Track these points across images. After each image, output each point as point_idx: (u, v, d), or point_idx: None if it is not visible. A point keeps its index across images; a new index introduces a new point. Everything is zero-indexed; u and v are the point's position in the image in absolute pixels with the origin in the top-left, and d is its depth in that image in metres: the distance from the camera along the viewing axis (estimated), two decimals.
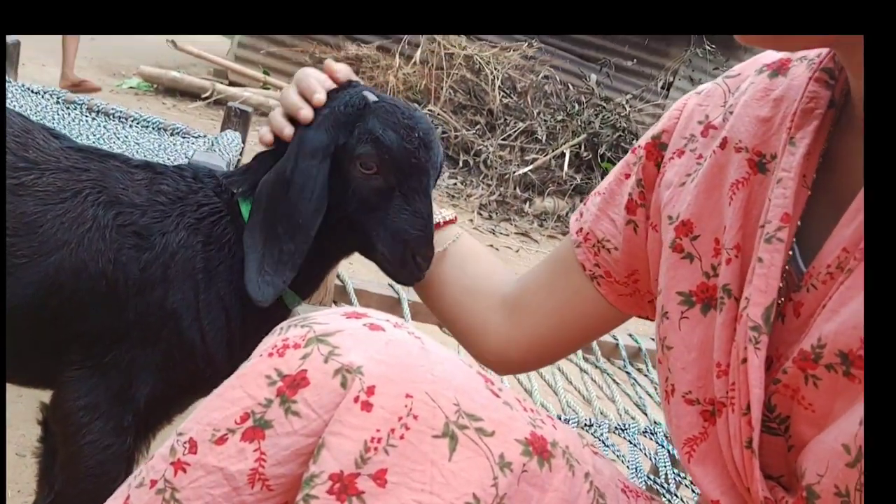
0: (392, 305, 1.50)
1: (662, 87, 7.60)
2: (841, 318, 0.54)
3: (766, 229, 0.62)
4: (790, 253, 0.63)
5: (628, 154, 0.85)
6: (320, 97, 0.94)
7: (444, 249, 0.99)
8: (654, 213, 0.78)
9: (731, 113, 0.72)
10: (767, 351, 0.61)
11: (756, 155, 0.67)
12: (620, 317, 0.89)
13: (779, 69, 0.70)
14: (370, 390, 0.59)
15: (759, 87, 0.70)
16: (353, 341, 0.62)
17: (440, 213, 1.02)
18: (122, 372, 0.98)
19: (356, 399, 0.58)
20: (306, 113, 0.93)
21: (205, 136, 2.02)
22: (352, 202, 0.95)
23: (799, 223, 0.63)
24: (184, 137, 2.00)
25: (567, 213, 5.80)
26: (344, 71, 0.98)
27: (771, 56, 0.72)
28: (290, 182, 0.93)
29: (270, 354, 0.62)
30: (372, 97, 0.95)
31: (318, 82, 0.96)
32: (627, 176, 0.83)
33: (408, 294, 1.51)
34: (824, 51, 0.66)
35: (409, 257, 0.94)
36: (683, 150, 0.76)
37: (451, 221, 1.03)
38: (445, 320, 1.02)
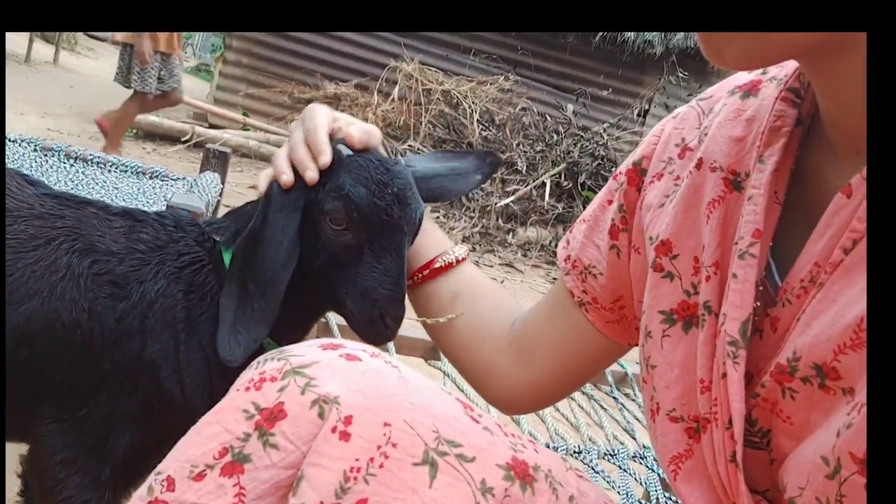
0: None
1: (638, 115, 7.72)
2: (814, 331, 0.55)
3: (739, 245, 0.63)
4: (766, 268, 0.63)
5: (610, 181, 0.86)
6: (325, 160, 0.89)
7: (456, 292, 0.98)
8: (637, 237, 0.79)
9: (705, 134, 0.73)
10: (747, 366, 0.61)
11: (731, 174, 0.68)
12: (617, 347, 0.89)
13: (750, 90, 0.71)
14: (348, 420, 0.58)
15: (731, 108, 0.71)
16: (330, 372, 0.62)
17: (453, 250, 1.00)
18: (99, 425, 0.95)
19: (334, 429, 0.58)
20: (312, 175, 0.89)
21: (184, 179, 2.01)
22: (322, 258, 0.93)
23: (774, 240, 0.64)
24: (163, 180, 1.99)
25: (550, 242, 5.82)
26: (361, 139, 0.93)
27: (742, 78, 0.74)
28: (259, 237, 0.91)
29: (247, 388, 0.62)
30: (346, 151, 0.93)
31: (324, 143, 0.90)
32: (610, 202, 0.84)
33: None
34: (791, 70, 0.67)
35: (378, 317, 0.92)
36: (662, 173, 0.77)
37: (464, 259, 1.01)
38: (454, 361, 1.02)
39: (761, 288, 0.63)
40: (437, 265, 0.99)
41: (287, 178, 0.90)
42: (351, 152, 0.93)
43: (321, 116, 0.92)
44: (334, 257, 0.93)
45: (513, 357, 0.94)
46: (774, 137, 0.64)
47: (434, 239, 1.02)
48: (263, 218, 0.91)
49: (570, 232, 0.90)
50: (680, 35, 7.36)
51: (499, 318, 0.97)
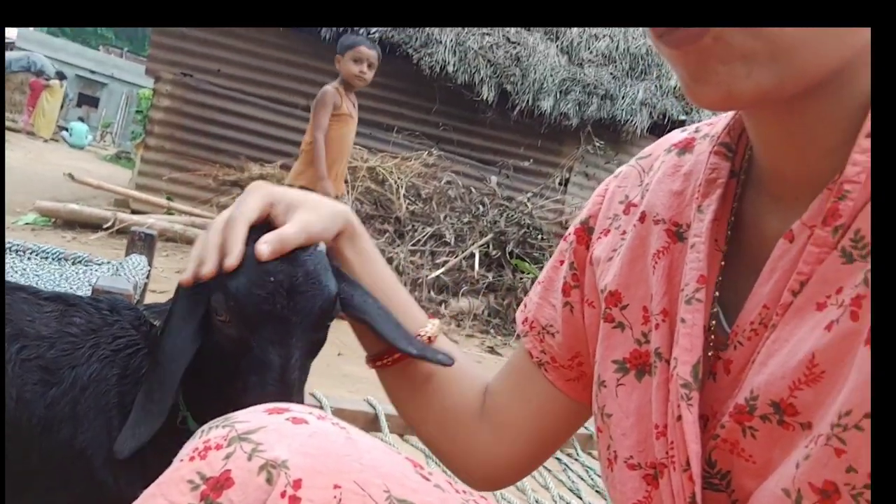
0: (370, 421, 1.51)
1: (560, 184, 7.97)
2: (769, 369, 0.57)
3: (685, 292, 0.65)
4: (714, 313, 0.65)
5: (561, 242, 0.88)
6: (230, 263, 0.83)
7: (429, 374, 0.95)
8: (590, 291, 0.81)
9: (647, 190, 0.76)
10: (703, 409, 0.63)
11: (673, 225, 0.70)
12: (583, 407, 0.88)
13: (685, 147, 0.75)
14: (297, 484, 0.57)
15: (669, 164, 0.75)
16: (277, 436, 0.61)
17: (426, 329, 0.95)
18: None
19: (283, 494, 0.57)
20: (206, 271, 0.83)
21: (109, 263, 1.97)
22: (215, 349, 0.90)
23: (720, 287, 0.66)
24: (86, 265, 1.95)
25: (483, 312, 5.86)
26: (267, 252, 0.84)
27: (677, 136, 0.78)
28: (163, 327, 0.90)
29: (192, 458, 0.60)
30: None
31: (237, 240, 0.84)
32: (562, 262, 0.86)
33: (384, 408, 1.51)
34: (721, 128, 0.71)
35: None
36: (609, 228, 0.80)
37: (435, 338, 0.96)
38: (428, 444, 0.99)
39: (712, 335, 0.65)
40: None
41: (186, 277, 0.85)
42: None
43: (249, 204, 0.86)
44: (222, 350, 0.89)
45: (488, 435, 0.92)
46: (711, 189, 0.67)
47: (406, 316, 0.97)
48: (170, 308, 0.90)
49: (528, 296, 0.91)
50: (594, 106, 7.69)
51: (471, 397, 0.95)
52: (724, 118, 0.72)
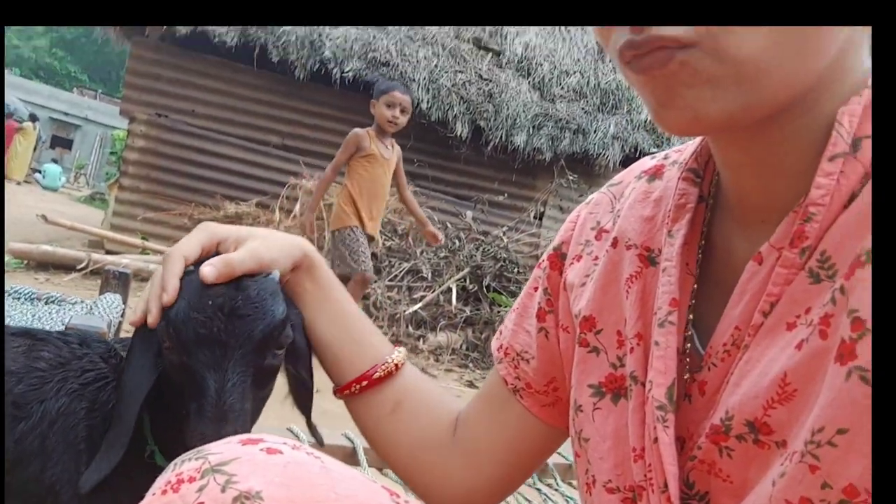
0: (348, 455, 1.50)
1: (535, 217, 8.05)
2: (743, 389, 0.57)
3: (658, 315, 0.66)
4: (689, 336, 0.66)
5: (535, 269, 0.89)
6: (166, 299, 0.84)
7: (397, 401, 0.94)
8: (564, 316, 0.81)
9: (618, 216, 0.77)
10: (680, 431, 0.63)
11: (645, 250, 0.72)
12: (557, 432, 0.88)
13: (655, 174, 0.76)
14: None
15: (639, 191, 0.76)
16: (251, 467, 0.60)
17: (392, 357, 0.95)
18: None
19: None
20: (150, 318, 0.85)
21: (82, 302, 1.97)
22: (165, 378, 0.89)
23: (693, 311, 0.67)
24: (59, 305, 1.94)
25: (461, 346, 5.86)
26: (211, 275, 0.85)
27: (647, 163, 0.79)
28: (125, 361, 0.90)
29: (164, 492, 0.60)
30: (191, 268, 0.88)
31: (171, 276, 0.86)
32: (536, 289, 0.86)
33: (363, 442, 1.50)
34: (689, 154, 0.72)
35: (199, 439, 0.82)
36: (581, 254, 0.80)
37: (401, 366, 0.96)
38: (401, 474, 0.98)
39: (688, 358, 0.65)
40: (376, 375, 0.94)
41: (133, 317, 0.87)
42: (193, 269, 0.88)
43: (189, 240, 0.88)
44: (170, 378, 0.88)
45: (461, 463, 0.91)
46: (680, 213, 0.69)
47: (370, 344, 0.97)
48: (131, 342, 0.90)
49: (503, 323, 0.91)
50: (566, 141, 7.80)
51: (442, 425, 0.94)
52: (692, 145, 0.73)
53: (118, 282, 1.99)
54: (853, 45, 0.57)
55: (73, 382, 0.96)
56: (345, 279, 4.60)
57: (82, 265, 5.85)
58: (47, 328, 1.75)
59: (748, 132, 0.59)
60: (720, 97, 0.53)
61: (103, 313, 1.73)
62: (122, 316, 1.90)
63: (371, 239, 4.72)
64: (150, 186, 7.59)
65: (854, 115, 0.55)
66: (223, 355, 0.84)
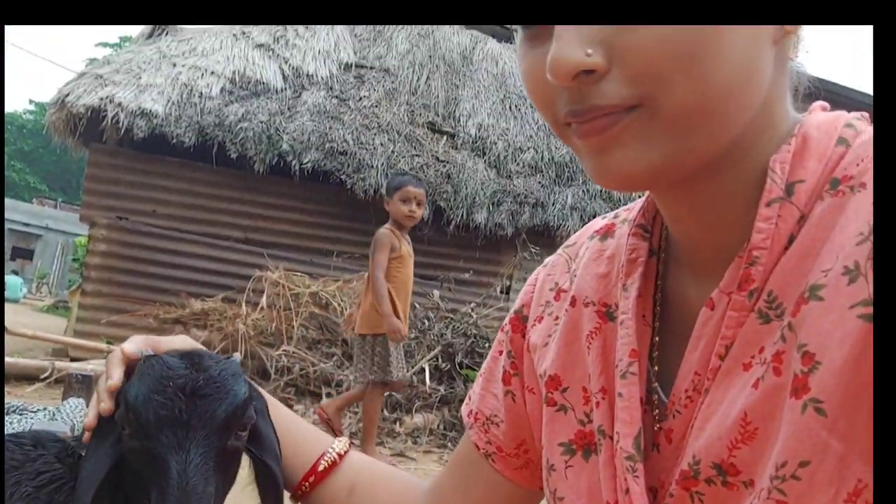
0: None
1: (502, 292, 8.11)
2: (707, 433, 0.58)
3: (619, 367, 0.67)
4: (654, 387, 0.68)
5: (498, 334, 0.90)
6: (111, 385, 0.86)
7: (351, 486, 0.94)
8: (530, 378, 0.82)
9: (575, 276, 0.79)
10: (651, 481, 0.64)
11: (603, 306, 0.73)
12: (530, 494, 0.88)
13: (606, 233, 0.79)
14: None
15: (593, 250, 0.78)
16: None
17: (333, 447, 0.95)
18: None
19: None
20: (104, 406, 0.86)
21: (45, 409, 1.94)
22: (125, 468, 0.88)
23: (654, 362, 0.69)
24: (21, 414, 1.90)
25: (438, 426, 5.79)
26: (133, 350, 0.89)
27: (598, 224, 0.82)
28: (86, 450, 0.90)
29: None
30: (147, 354, 0.89)
31: (113, 367, 0.88)
32: (500, 353, 0.87)
33: None
34: (637, 211, 0.75)
35: None
36: (542, 315, 0.82)
37: (346, 453, 0.96)
38: None
39: (656, 409, 0.66)
40: (321, 468, 0.94)
41: (88, 420, 0.88)
42: (150, 353, 0.89)
43: (128, 342, 0.91)
44: (131, 465, 0.87)
45: None
46: (633, 268, 0.71)
47: (309, 441, 0.97)
48: (91, 434, 0.90)
49: (471, 389, 0.91)
50: (526, 215, 7.96)
51: (408, 497, 0.94)
52: (640, 202, 0.75)
53: (81, 385, 1.96)
54: (778, 96, 0.61)
55: (27, 486, 0.94)
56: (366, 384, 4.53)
57: (46, 374, 5.71)
58: None
59: (685, 186, 0.61)
60: (652, 153, 0.56)
61: (66, 418, 1.70)
62: None
63: (401, 339, 4.62)
64: (113, 290, 7.52)
65: (785, 162, 0.58)
66: (185, 436, 0.83)
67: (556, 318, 0.79)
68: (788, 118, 0.62)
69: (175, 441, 0.83)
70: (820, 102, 0.64)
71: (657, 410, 0.67)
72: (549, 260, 0.87)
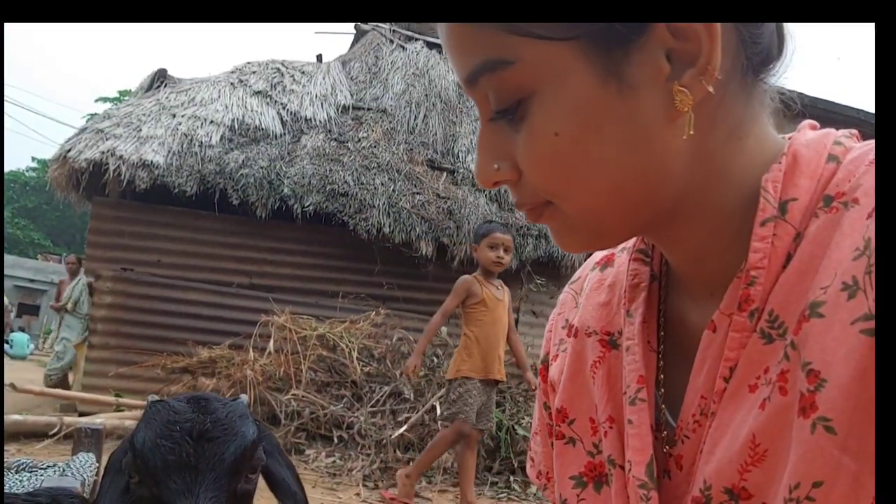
0: None
1: None
2: (717, 457, 0.58)
3: (627, 394, 0.67)
4: (661, 411, 0.67)
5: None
6: None
7: None
8: None
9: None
10: None
11: (605, 335, 0.73)
12: None
13: (606, 262, 0.80)
14: None
15: (594, 280, 0.79)
16: None
17: None
18: None
19: None
20: None
21: (55, 465, 1.93)
22: None
23: (661, 387, 0.68)
24: (31, 472, 1.89)
25: (452, 464, 5.73)
26: None
27: (599, 255, 0.82)
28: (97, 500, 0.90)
29: None
30: (153, 398, 0.89)
31: None
32: (540, 407, 0.87)
33: None
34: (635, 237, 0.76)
35: None
36: (557, 353, 0.82)
37: None
38: None
39: (664, 434, 0.66)
40: None
41: None
42: (157, 398, 0.89)
43: None
44: None
45: None
46: (636, 292, 0.71)
47: None
48: (100, 486, 0.91)
49: (530, 449, 0.91)
50: (530, 247, 7.96)
51: None
52: None
53: (91, 439, 1.95)
54: (755, 120, 0.62)
55: None
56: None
57: (55, 430, 5.69)
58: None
59: (654, 231, 0.64)
60: (582, 235, 0.63)
61: (76, 474, 1.70)
62: (97, 474, 1.87)
63: (497, 382, 4.75)
64: (120, 342, 7.51)
65: (777, 181, 0.59)
66: (194, 480, 0.83)
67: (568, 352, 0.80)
68: (770, 139, 0.63)
69: (184, 486, 0.82)
70: (808, 121, 0.65)
71: (666, 434, 0.66)
72: (559, 299, 0.88)
